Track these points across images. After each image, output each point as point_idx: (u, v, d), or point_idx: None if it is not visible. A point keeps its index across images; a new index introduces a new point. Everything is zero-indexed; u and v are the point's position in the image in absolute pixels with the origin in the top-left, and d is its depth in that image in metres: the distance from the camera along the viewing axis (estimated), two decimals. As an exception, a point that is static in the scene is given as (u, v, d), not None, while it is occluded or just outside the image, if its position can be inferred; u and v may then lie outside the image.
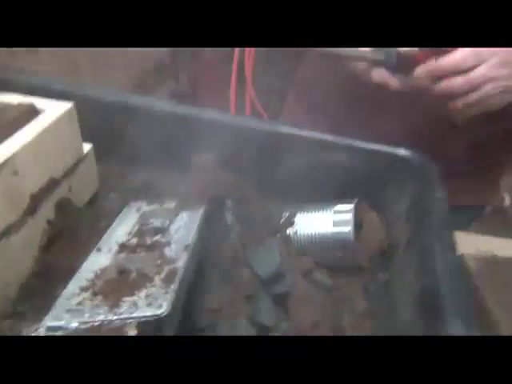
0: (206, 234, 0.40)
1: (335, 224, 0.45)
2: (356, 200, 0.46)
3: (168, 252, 0.38)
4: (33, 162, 0.38)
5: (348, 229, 0.44)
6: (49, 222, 0.39)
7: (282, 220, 0.48)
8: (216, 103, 0.60)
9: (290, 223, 0.47)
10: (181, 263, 0.36)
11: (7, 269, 0.35)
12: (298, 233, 0.46)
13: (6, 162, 0.36)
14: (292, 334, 0.38)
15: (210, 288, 0.39)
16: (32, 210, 0.38)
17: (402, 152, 0.48)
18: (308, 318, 0.39)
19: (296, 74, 0.78)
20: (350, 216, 0.44)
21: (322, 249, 0.46)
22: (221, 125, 0.49)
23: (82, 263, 0.36)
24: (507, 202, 1.54)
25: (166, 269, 0.36)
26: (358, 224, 0.46)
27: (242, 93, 0.72)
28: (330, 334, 0.39)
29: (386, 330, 0.40)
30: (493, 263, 0.52)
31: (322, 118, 0.67)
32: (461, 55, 0.47)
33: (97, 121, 0.49)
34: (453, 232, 0.39)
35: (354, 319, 0.42)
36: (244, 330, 0.36)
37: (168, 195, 0.47)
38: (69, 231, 0.39)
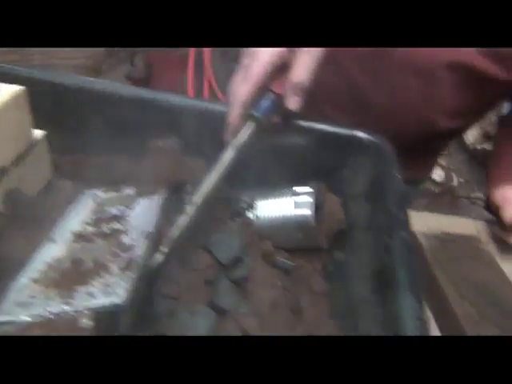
0: (165, 221, 0.40)
1: (296, 207, 0.45)
2: (315, 182, 0.46)
3: (126, 240, 0.38)
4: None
5: (309, 211, 0.45)
6: (-3, 213, 0.38)
7: (243, 204, 0.48)
8: (173, 87, 0.59)
9: (251, 207, 0.47)
10: (140, 251, 0.36)
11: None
12: (259, 217, 0.47)
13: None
14: (251, 316, 0.38)
15: (170, 275, 0.39)
16: (-21, 200, 0.36)
17: (359, 134, 0.49)
18: (266, 299, 0.39)
19: None
20: (310, 199, 0.45)
21: (283, 232, 0.46)
22: (178, 108, 0.49)
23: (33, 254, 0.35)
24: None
25: (124, 257, 0.36)
26: (317, 206, 0.47)
27: (200, 76, 0.71)
28: (289, 314, 0.40)
29: (343, 307, 0.41)
30: (442, 240, 0.55)
31: None
32: None
33: (50, 106, 0.47)
34: (407, 211, 0.41)
35: (313, 298, 0.43)
36: (203, 315, 0.36)
37: (126, 182, 0.47)
38: (19, 222, 0.38)
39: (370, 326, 0.38)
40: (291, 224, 0.46)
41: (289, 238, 0.47)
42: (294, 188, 0.47)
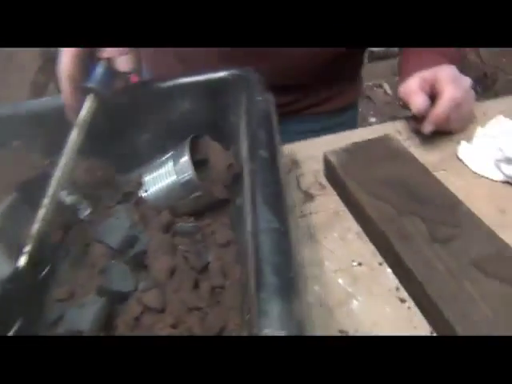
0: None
1: (177, 172, 0.44)
2: (189, 139, 0.45)
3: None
4: None
5: (189, 172, 0.44)
6: None
7: (131, 184, 0.46)
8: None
9: (139, 185, 0.46)
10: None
11: None
12: (149, 192, 0.46)
13: None
14: (152, 289, 0.37)
15: (61, 279, 0.39)
16: None
17: (221, 74, 0.47)
18: (164, 267, 0.39)
19: None
20: (186, 158, 0.44)
21: (178, 198, 0.45)
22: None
23: None
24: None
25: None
26: (202, 160, 0.46)
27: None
28: (191, 274, 0.39)
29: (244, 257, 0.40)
30: (352, 151, 0.54)
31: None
32: None
33: None
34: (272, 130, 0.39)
35: (219, 251, 0.42)
36: (92, 304, 0.35)
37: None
38: None
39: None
40: (180, 190, 0.45)
41: (185, 203, 0.46)
42: (172, 151, 0.45)
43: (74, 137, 0.39)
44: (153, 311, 0.37)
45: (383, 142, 0.55)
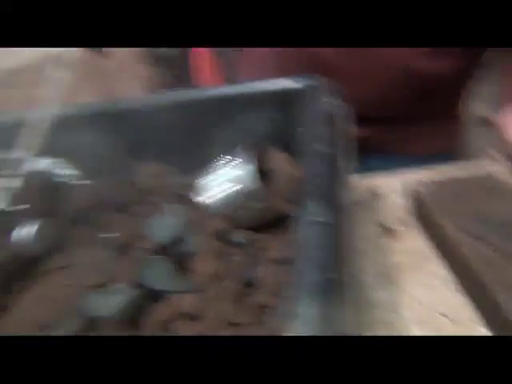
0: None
1: (240, 181, 0.41)
2: (255, 148, 0.42)
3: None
4: None
5: (253, 182, 0.40)
6: None
7: (189, 187, 0.44)
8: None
9: (197, 189, 0.43)
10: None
11: None
12: (206, 197, 0.42)
13: None
14: (189, 292, 0.33)
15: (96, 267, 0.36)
16: None
17: (297, 84, 0.44)
18: (207, 271, 0.34)
19: None
20: (251, 167, 0.40)
21: (236, 208, 0.41)
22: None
23: None
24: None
25: None
26: (269, 170, 0.42)
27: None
28: (236, 285, 0.34)
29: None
30: (444, 184, 0.46)
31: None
32: None
33: None
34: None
35: (271, 267, 0.36)
36: (120, 293, 0.31)
37: None
38: None
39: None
40: (238, 199, 0.41)
41: (242, 214, 0.41)
42: (238, 159, 0.42)
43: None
44: (185, 317, 0.32)
45: (485, 178, 0.46)
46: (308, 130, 0.35)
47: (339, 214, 0.26)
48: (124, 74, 1.99)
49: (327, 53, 0.56)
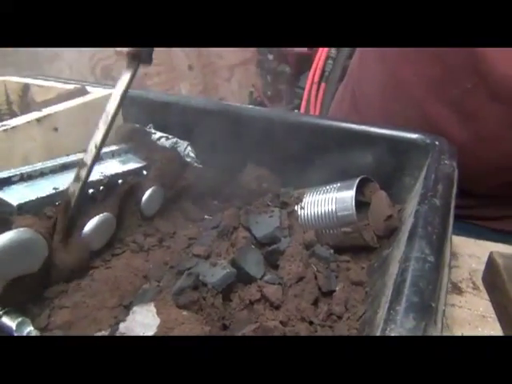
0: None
1: (337, 204, 0.45)
2: (360, 177, 0.46)
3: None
4: (71, 124, 0.46)
5: (350, 208, 0.44)
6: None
7: (292, 198, 0.49)
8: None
9: (298, 201, 0.48)
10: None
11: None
12: (304, 209, 0.47)
13: (48, 117, 0.44)
14: (275, 284, 0.38)
15: (203, 240, 0.42)
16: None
17: (417, 136, 0.48)
18: (294, 271, 0.39)
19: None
20: (351, 193, 0.45)
21: (327, 226, 0.46)
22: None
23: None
24: None
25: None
26: (366, 202, 0.46)
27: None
28: (315, 290, 0.38)
29: (374, 298, 0.38)
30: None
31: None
32: None
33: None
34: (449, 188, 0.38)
35: (348, 285, 0.40)
36: (222, 268, 0.37)
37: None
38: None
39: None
40: (332, 220, 0.45)
41: (333, 233, 0.46)
42: (339, 184, 0.47)
43: (112, 106, 0.40)
44: (268, 303, 0.37)
45: None
46: (426, 182, 0.39)
47: (441, 257, 0.29)
48: (233, 79, 2.13)
49: (442, 117, 0.59)
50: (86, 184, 0.39)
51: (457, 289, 0.49)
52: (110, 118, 0.39)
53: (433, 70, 0.57)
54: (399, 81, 0.62)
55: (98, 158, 0.39)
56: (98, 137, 0.39)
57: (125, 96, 0.40)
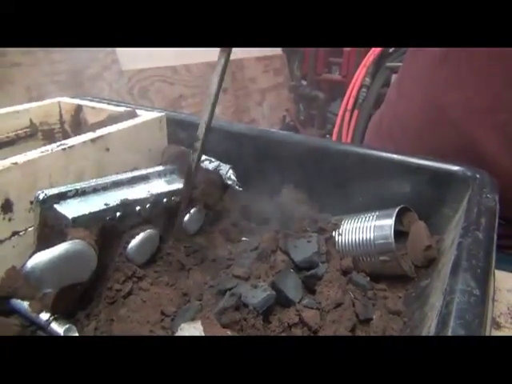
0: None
1: (376, 232, 0.46)
2: (399, 207, 0.46)
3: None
4: (122, 144, 0.49)
5: (388, 237, 0.44)
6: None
7: (330, 224, 0.50)
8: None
9: (336, 227, 0.49)
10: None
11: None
12: (342, 236, 0.48)
13: (101, 137, 0.46)
14: (314, 308, 0.38)
15: (243, 263, 0.43)
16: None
17: (458, 168, 0.48)
18: (332, 297, 0.39)
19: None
20: (390, 221, 0.45)
21: (364, 254, 0.46)
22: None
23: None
24: None
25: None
26: (405, 232, 0.47)
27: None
28: (352, 317, 0.39)
29: (412, 329, 0.38)
30: None
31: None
32: None
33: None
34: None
35: (385, 315, 0.40)
36: (263, 290, 0.38)
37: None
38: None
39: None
40: (370, 248, 0.46)
41: (370, 261, 0.46)
42: (378, 212, 0.47)
43: (213, 88, 0.44)
44: (307, 328, 0.37)
45: None
46: (468, 215, 0.39)
47: (486, 291, 0.29)
48: (264, 103, 2.17)
49: (486, 140, 0.59)
50: (202, 153, 0.46)
51: (495, 323, 0.49)
52: (212, 98, 0.44)
53: (482, 98, 0.58)
54: (439, 106, 0.62)
55: (208, 132, 0.45)
56: (205, 115, 0.45)
57: (223, 78, 0.44)
